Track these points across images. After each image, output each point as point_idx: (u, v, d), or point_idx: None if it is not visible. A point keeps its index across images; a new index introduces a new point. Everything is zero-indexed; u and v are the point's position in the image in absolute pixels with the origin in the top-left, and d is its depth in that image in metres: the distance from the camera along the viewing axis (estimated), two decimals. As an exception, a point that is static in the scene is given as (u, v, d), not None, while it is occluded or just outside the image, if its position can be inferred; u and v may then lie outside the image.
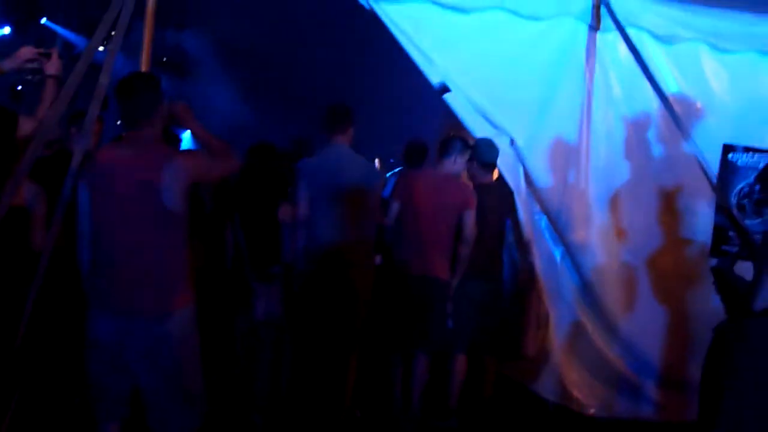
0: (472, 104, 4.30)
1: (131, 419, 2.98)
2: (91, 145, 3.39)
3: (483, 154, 4.52)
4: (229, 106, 7.41)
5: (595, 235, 4.45)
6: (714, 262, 3.84)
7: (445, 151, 4.56)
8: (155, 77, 3.12)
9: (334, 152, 4.34)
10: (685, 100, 4.41)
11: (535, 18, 4.30)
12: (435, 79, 4.25)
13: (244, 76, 7.22)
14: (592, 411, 4.53)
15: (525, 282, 4.78)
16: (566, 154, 4.42)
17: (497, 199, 4.62)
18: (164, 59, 7.75)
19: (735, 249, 3.85)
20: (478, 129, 4.42)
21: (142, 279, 2.82)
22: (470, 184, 4.65)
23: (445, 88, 4.28)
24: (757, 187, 3.48)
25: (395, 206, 4.53)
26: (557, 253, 4.51)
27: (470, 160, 4.62)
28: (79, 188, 2.95)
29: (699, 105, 4.44)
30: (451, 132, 4.67)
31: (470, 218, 4.44)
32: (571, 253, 4.44)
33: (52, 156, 3.85)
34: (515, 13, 4.25)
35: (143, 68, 3.85)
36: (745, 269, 3.48)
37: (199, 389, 2.96)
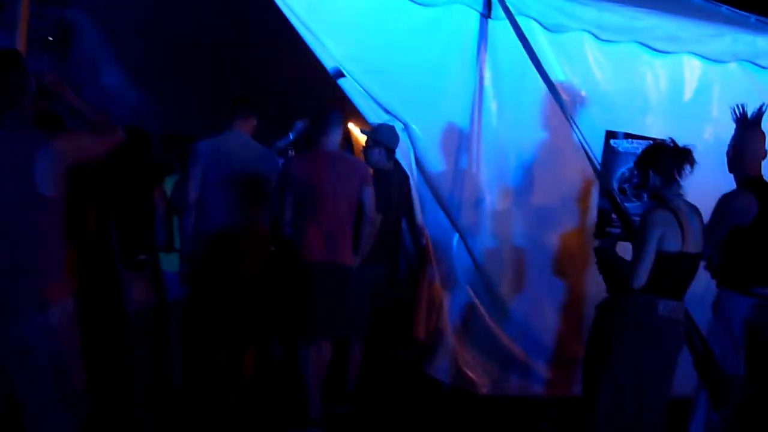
0: (365, 90, 4.28)
1: (5, 423, 2.82)
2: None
3: (388, 140, 4.46)
4: (119, 87, 7.09)
5: (486, 218, 4.56)
6: (597, 243, 4.00)
7: (323, 127, 4.31)
8: (17, 53, 2.93)
9: (230, 137, 4.28)
10: (570, 88, 4.57)
11: (427, 4, 4.33)
12: (329, 63, 4.22)
13: (134, 56, 6.92)
14: (484, 390, 4.65)
15: (417, 266, 4.83)
16: (458, 140, 4.49)
17: (398, 185, 4.64)
18: (49, 38, 7.31)
19: (617, 230, 4.01)
20: (373, 115, 4.41)
21: (16, 270, 2.66)
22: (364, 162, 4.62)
23: (339, 74, 4.25)
24: (636, 172, 3.65)
25: (289, 197, 4.23)
26: (450, 237, 4.59)
27: (373, 146, 4.59)
28: None
29: (583, 93, 4.61)
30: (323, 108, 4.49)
31: (370, 195, 4.29)
32: (463, 236, 4.53)
33: None
34: (409, -2, 4.29)
35: (20, 47, 3.64)
36: (626, 250, 3.66)
37: (80, 387, 2.81)
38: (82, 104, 2.87)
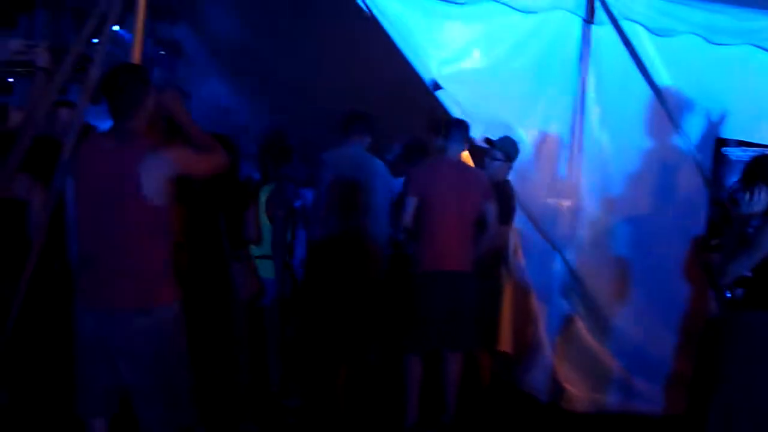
0: (460, 101, 4.25)
1: (122, 416, 2.95)
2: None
3: (511, 152, 4.38)
4: (224, 100, 7.35)
5: (586, 228, 4.45)
6: (708, 256, 3.83)
7: (447, 135, 4.23)
8: (141, 68, 3.08)
9: (350, 150, 4.44)
10: (678, 94, 4.40)
11: (529, 11, 4.29)
12: (427, 75, 4.23)
13: (238, 70, 7.16)
14: (583, 407, 4.51)
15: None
16: (557, 148, 4.42)
17: (513, 197, 4.53)
18: (161, 53, 7.68)
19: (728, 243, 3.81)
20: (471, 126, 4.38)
21: (122, 273, 2.77)
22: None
23: (437, 85, 4.25)
24: (743, 188, 3.43)
25: (411, 202, 4.18)
26: (547, 247, 4.48)
27: (497, 158, 4.42)
28: (67, 181, 2.92)
29: (692, 98, 4.43)
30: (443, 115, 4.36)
31: (493, 210, 4.22)
32: (559, 247, 4.44)
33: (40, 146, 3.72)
34: (509, 5, 4.24)
35: (135, 61, 3.82)
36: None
37: (186, 387, 2.90)
38: (192, 124, 2.97)
